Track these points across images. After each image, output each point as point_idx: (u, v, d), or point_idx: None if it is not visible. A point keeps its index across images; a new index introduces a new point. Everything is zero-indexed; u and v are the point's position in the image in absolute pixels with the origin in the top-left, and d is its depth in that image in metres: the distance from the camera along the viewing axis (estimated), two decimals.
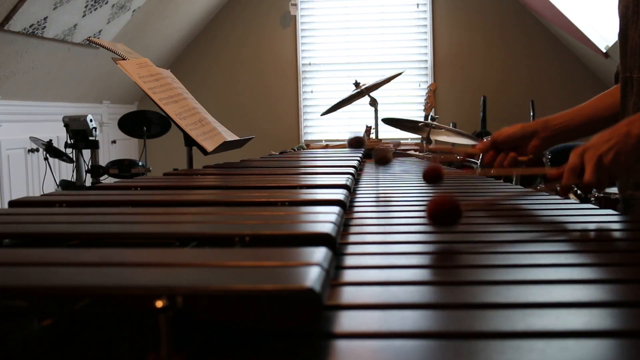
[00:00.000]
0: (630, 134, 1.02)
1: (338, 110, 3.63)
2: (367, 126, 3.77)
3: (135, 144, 5.31)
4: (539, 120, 1.32)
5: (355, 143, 1.82)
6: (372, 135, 3.61)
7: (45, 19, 3.32)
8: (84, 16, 3.64)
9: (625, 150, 1.01)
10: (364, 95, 3.51)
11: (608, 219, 0.95)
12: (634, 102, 1.18)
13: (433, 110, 4.77)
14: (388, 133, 4.12)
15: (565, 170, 1.04)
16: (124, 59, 1.82)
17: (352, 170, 1.39)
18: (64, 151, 3.56)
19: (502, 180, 1.86)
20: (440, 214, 0.80)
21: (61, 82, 4.10)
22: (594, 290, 0.57)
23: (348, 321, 0.47)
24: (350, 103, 3.61)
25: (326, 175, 1.36)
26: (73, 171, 3.62)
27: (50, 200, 0.96)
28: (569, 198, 1.02)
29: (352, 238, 0.78)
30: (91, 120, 3.48)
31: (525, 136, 1.28)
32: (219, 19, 5.49)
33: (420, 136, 3.65)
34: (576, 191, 2.93)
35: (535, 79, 5.21)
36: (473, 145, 1.25)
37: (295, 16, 5.42)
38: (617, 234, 0.86)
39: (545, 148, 1.33)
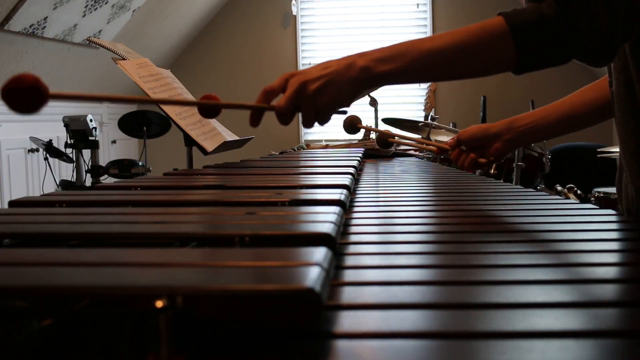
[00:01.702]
0: (353, 65, 0.90)
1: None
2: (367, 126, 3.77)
3: (135, 144, 5.31)
4: (504, 121, 1.24)
5: (348, 125, 1.72)
6: (372, 136, 3.61)
7: (45, 19, 3.32)
8: (84, 16, 3.64)
9: (339, 81, 0.89)
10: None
11: (608, 219, 0.95)
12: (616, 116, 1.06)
13: (433, 110, 4.77)
14: None
15: (261, 90, 0.93)
16: (124, 59, 1.82)
17: (352, 170, 1.39)
18: (64, 151, 3.56)
19: (502, 181, 1.86)
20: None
21: (61, 82, 4.10)
22: (593, 291, 0.57)
23: (348, 321, 0.47)
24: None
25: (326, 175, 1.36)
26: (73, 171, 3.62)
27: (50, 200, 0.96)
28: (256, 125, 0.94)
29: (352, 238, 0.78)
30: (91, 120, 3.48)
31: (488, 137, 1.22)
32: (219, 19, 5.49)
33: (420, 136, 3.65)
34: (576, 191, 2.93)
35: (535, 79, 5.21)
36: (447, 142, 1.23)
37: (295, 16, 5.42)
38: (617, 234, 0.86)
39: (510, 150, 1.26)
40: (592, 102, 1.22)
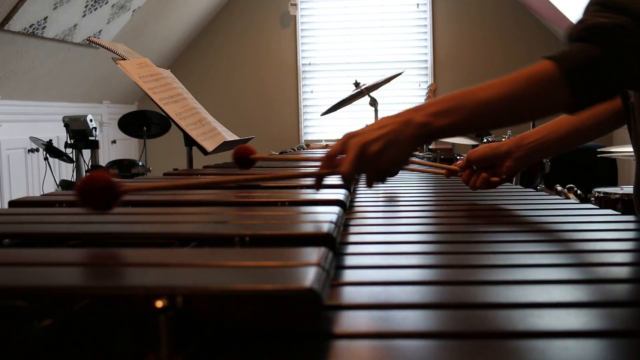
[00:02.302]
0: (411, 122, 0.89)
1: (338, 110, 3.63)
2: (367, 126, 3.76)
3: (135, 144, 5.31)
4: (513, 138, 1.21)
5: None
6: None
7: (45, 19, 3.32)
8: (84, 16, 3.64)
9: (398, 140, 0.87)
10: (364, 95, 3.51)
11: (608, 219, 0.95)
12: (633, 125, 1.08)
13: None
14: None
15: (325, 155, 0.91)
16: (124, 59, 1.82)
17: None
18: (64, 151, 3.56)
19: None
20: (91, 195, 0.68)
21: (61, 82, 4.10)
22: (593, 290, 0.57)
23: (348, 321, 0.47)
24: (350, 103, 3.61)
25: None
26: (73, 171, 3.62)
27: (50, 200, 0.96)
28: (319, 188, 0.93)
29: (352, 238, 0.78)
30: (91, 120, 3.48)
31: (499, 156, 1.18)
32: (219, 19, 5.49)
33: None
34: (576, 191, 2.93)
35: None
36: (456, 163, 1.18)
37: (295, 16, 5.42)
38: (617, 234, 0.86)
39: (522, 168, 1.23)
40: (601, 112, 1.20)
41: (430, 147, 3.88)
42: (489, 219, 0.96)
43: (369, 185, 0.92)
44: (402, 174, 1.78)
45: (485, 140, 3.37)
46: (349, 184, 0.92)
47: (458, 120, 0.89)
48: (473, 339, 0.43)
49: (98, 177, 0.69)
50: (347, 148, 0.88)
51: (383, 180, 0.93)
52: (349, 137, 0.90)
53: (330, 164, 0.91)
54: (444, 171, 1.31)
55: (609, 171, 3.78)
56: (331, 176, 0.92)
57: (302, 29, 5.48)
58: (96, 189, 0.68)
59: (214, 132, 1.88)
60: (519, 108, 0.90)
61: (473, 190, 1.18)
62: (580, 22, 0.89)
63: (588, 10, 0.90)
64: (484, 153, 1.20)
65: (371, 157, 0.86)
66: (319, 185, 0.95)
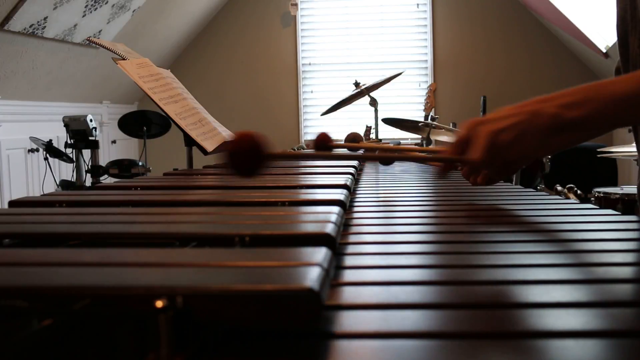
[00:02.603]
0: (541, 112, 0.84)
1: (338, 110, 3.63)
2: (367, 126, 3.77)
3: (135, 144, 5.31)
4: None
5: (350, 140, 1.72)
6: (372, 136, 3.61)
7: (45, 19, 3.32)
8: (84, 16, 3.64)
9: (530, 131, 0.83)
10: (364, 95, 3.51)
11: (608, 219, 0.94)
12: None
13: (433, 110, 4.77)
14: (388, 133, 4.12)
15: (452, 143, 0.87)
16: (124, 59, 1.82)
17: (352, 170, 1.39)
18: (64, 151, 3.56)
19: (502, 180, 1.86)
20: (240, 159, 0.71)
21: (61, 82, 4.10)
22: (593, 290, 0.57)
23: (348, 321, 0.47)
24: (350, 103, 3.61)
25: (326, 175, 1.36)
26: (73, 171, 3.62)
27: (50, 200, 0.96)
28: (445, 177, 0.89)
29: (352, 238, 0.78)
30: (91, 120, 3.48)
31: None
32: (219, 19, 5.49)
33: (420, 136, 3.65)
34: (576, 191, 2.93)
35: (535, 79, 5.21)
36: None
37: (295, 16, 5.42)
38: (617, 234, 0.86)
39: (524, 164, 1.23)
40: None
41: (430, 147, 3.88)
42: (489, 219, 0.96)
43: (492, 181, 0.88)
44: (402, 167, 1.78)
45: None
46: (476, 176, 0.89)
47: (591, 112, 0.84)
48: (473, 339, 0.43)
49: (248, 139, 0.70)
50: (477, 135, 0.84)
51: (510, 174, 0.88)
52: (477, 123, 0.85)
53: (460, 149, 0.86)
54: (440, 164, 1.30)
55: (609, 171, 3.78)
56: (460, 163, 0.87)
57: (302, 29, 5.48)
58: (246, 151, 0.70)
59: (214, 132, 1.88)
60: None
61: (473, 186, 1.17)
62: None
63: None
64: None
65: (503, 146, 0.82)
66: (445, 172, 0.91)
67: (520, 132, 0.83)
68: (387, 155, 1.36)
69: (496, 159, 0.84)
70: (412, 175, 1.67)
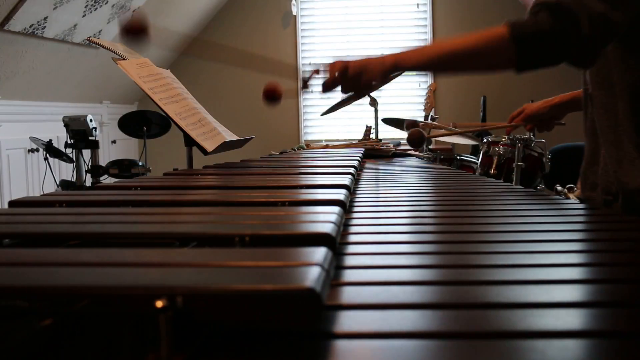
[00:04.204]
0: (386, 59, 1.19)
1: (338, 111, 3.63)
2: (367, 126, 3.77)
3: (135, 144, 5.31)
4: (548, 102, 1.65)
5: (416, 139, 1.74)
6: (372, 136, 3.61)
7: (45, 19, 3.32)
8: (84, 16, 3.64)
9: (373, 69, 1.19)
10: (388, 82, 3.50)
11: (608, 219, 0.95)
12: (590, 113, 1.28)
13: (433, 110, 4.77)
14: (388, 133, 4.12)
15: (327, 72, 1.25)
16: (124, 59, 1.82)
17: (352, 170, 1.39)
18: (64, 151, 3.56)
19: (502, 180, 1.86)
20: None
21: (61, 82, 4.10)
22: (593, 291, 0.57)
23: (348, 321, 0.47)
24: (350, 103, 3.61)
25: (326, 175, 1.36)
26: (73, 171, 3.62)
27: (50, 200, 0.96)
28: (306, 88, 1.34)
29: (352, 238, 0.78)
30: (91, 120, 3.48)
31: (547, 110, 1.63)
32: (219, 19, 5.49)
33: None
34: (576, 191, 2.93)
35: (535, 79, 5.20)
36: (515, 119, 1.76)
37: (295, 16, 5.42)
38: (617, 235, 0.86)
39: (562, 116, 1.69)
40: None
41: (430, 147, 3.88)
42: (489, 219, 0.96)
43: (343, 91, 1.29)
44: (402, 167, 1.78)
45: (485, 140, 3.36)
46: (325, 90, 1.27)
47: (423, 59, 1.19)
48: (473, 339, 0.43)
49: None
50: (335, 66, 1.23)
51: (357, 96, 1.30)
52: (339, 60, 1.23)
53: (330, 74, 1.24)
54: (507, 128, 1.90)
55: None
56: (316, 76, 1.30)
57: (302, 29, 5.48)
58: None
59: (214, 132, 1.88)
60: (475, 58, 1.14)
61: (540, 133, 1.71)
62: (536, 1, 1.09)
63: None
64: (538, 108, 1.65)
65: (350, 75, 1.20)
66: (305, 85, 1.36)
67: (364, 66, 1.20)
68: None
69: (343, 80, 1.21)
70: (412, 175, 1.67)
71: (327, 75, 1.24)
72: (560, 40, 1.05)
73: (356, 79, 1.20)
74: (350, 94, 1.28)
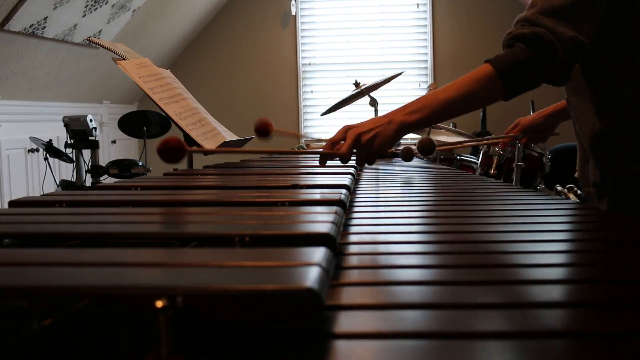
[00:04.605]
0: (392, 121, 1.24)
1: (338, 110, 3.63)
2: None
3: (135, 144, 5.31)
4: (541, 113, 1.77)
5: (427, 148, 1.81)
6: None
7: (45, 19, 3.32)
8: (84, 16, 3.64)
9: (384, 134, 1.23)
10: (364, 95, 3.50)
11: (608, 219, 0.95)
12: (573, 122, 1.42)
13: None
14: None
15: (327, 140, 1.25)
16: (124, 59, 1.82)
17: (352, 170, 1.39)
18: (64, 151, 3.56)
19: (502, 180, 1.86)
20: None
21: (61, 82, 4.10)
22: (593, 291, 0.57)
23: (348, 321, 0.47)
24: (350, 103, 3.61)
25: (326, 175, 1.36)
26: (73, 171, 3.62)
27: (50, 200, 0.96)
28: (323, 165, 1.29)
29: (352, 238, 0.78)
30: (91, 120, 3.48)
31: (542, 121, 1.78)
32: (219, 19, 5.49)
33: (420, 136, 3.64)
34: (576, 191, 2.93)
35: None
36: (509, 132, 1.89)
37: (295, 16, 5.42)
38: (616, 235, 0.86)
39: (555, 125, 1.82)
40: None
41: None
42: (489, 219, 0.96)
43: (359, 164, 1.29)
44: (402, 167, 1.78)
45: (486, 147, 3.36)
46: (346, 162, 1.25)
47: (425, 115, 1.25)
48: (473, 339, 0.43)
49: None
50: (346, 136, 1.23)
51: (369, 163, 1.26)
52: (348, 128, 1.24)
53: (332, 147, 1.24)
54: (503, 140, 1.97)
55: None
56: (333, 158, 1.25)
57: (302, 29, 5.48)
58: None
59: (214, 132, 1.88)
60: (469, 101, 1.25)
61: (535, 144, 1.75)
62: (508, 34, 1.23)
63: (515, 25, 1.23)
64: (533, 120, 1.80)
65: (364, 144, 1.22)
66: (323, 163, 1.28)
67: (377, 134, 1.22)
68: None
69: (359, 151, 1.23)
70: (412, 175, 1.67)
71: (342, 157, 1.24)
72: (540, 66, 1.18)
73: (370, 145, 1.22)
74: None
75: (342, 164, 1.27)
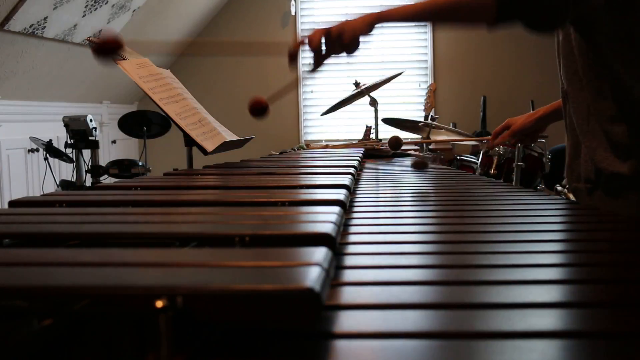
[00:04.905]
0: (366, 16, 1.29)
1: (338, 110, 3.63)
2: (367, 126, 3.77)
3: (135, 144, 5.31)
4: (531, 115, 1.73)
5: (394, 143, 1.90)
6: (372, 136, 3.61)
7: (45, 19, 3.32)
8: (84, 16, 3.64)
9: (352, 26, 1.27)
10: (364, 95, 3.51)
11: (608, 219, 0.95)
12: (568, 109, 1.38)
13: (433, 110, 4.77)
14: (388, 133, 4.11)
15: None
16: (124, 59, 1.82)
17: (352, 170, 1.39)
18: (64, 151, 3.56)
19: (502, 180, 1.86)
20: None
21: (61, 82, 4.10)
22: (593, 291, 0.57)
23: (348, 321, 0.47)
24: (350, 103, 3.61)
25: (326, 175, 1.36)
26: (73, 171, 3.62)
27: (50, 200, 0.96)
28: (293, 64, 1.32)
29: (352, 238, 0.78)
30: (91, 120, 3.48)
31: (532, 124, 1.72)
32: (218, 18, 5.49)
33: (420, 136, 3.65)
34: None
35: (535, 79, 5.21)
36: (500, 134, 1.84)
37: (295, 16, 5.42)
38: (617, 235, 0.86)
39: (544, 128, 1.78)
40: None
41: (430, 147, 3.88)
42: (489, 219, 0.96)
43: (331, 53, 1.30)
44: (402, 167, 1.79)
45: (485, 140, 3.36)
46: (315, 50, 1.29)
47: (404, 15, 1.28)
48: (473, 339, 0.43)
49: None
50: (316, 31, 1.28)
51: (350, 52, 1.29)
52: (317, 29, 1.28)
53: (311, 46, 1.28)
54: (490, 142, 1.83)
55: None
56: (300, 48, 1.30)
57: (302, 29, 5.48)
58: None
59: (214, 132, 1.88)
60: (455, 10, 1.23)
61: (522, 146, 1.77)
62: None
63: None
64: (523, 124, 1.74)
65: (334, 33, 1.26)
66: (293, 58, 1.32)
67: (344, 25, 1.26)
68: None
69: (327, 40, 1.26)
70: (412, 175, 1.67)
71: (311, 45, 1.27)
72: None
73: (340, 37, 1.25)
74: (342, 55, 1.31)
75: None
